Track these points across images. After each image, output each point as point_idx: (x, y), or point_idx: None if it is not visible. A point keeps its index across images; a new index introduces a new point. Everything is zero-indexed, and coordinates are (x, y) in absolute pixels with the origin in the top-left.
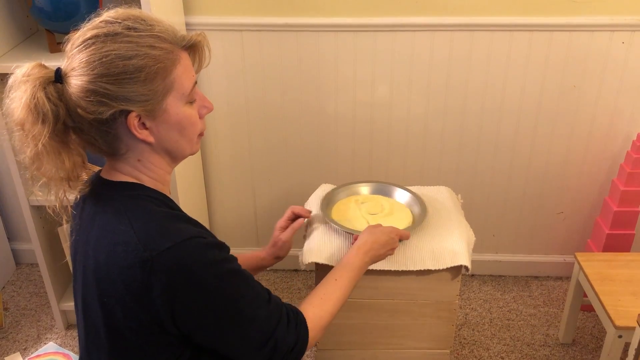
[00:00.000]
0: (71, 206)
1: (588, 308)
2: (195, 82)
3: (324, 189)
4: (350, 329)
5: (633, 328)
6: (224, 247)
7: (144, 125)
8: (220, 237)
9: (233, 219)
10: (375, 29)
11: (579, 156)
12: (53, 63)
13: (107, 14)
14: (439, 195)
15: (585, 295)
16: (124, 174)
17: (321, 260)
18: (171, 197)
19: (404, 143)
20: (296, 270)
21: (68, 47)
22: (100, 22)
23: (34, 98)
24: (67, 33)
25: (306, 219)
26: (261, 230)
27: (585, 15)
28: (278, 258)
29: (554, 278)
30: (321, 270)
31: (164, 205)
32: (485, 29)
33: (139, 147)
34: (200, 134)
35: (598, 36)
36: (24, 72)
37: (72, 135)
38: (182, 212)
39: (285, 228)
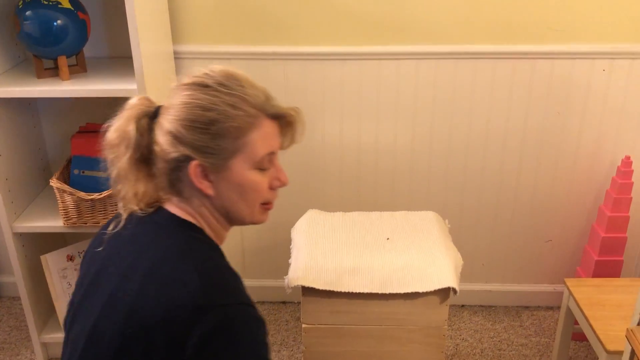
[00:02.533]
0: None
1: (580, 337)
2: (273, 153)
3: (311, 214)
4: (337, 357)
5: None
6: (265, 329)
7: (207, 177)
8: None
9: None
10: (361, 57)
11: (566, 182)
12: (39, 88)
13: (211, 68)
14: (426, 220)
15: (577, 323)
16: (188, 214)
17: (307, 283)
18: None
19: (391, 170)
20: (284, 302)
21: (174, 87)
22: (203, 73)
23: (126, 125)
24: (54, 59)
25: None
26: (248, 260)
27: (567, 43)
28: None
29: (544, 308)
30: (307, 294)
31: (223, 259)
32: (469, 57)
33: (199, 196)
34: (266, 204)
35: (579, 64)
36: (131, 103)
37: (154, 168)
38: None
39: None
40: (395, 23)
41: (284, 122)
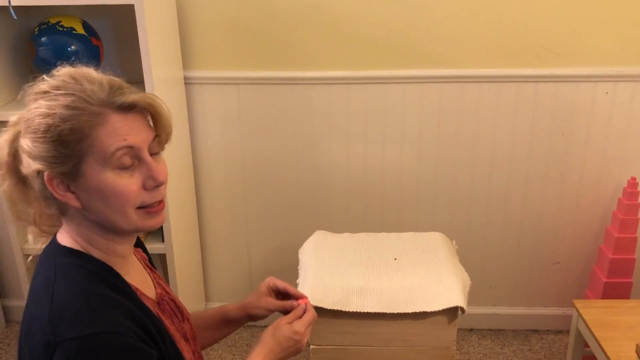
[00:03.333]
0: None
1: None
2: (131, 147)
3: (318, 235)
4: None
5: None
6: (141, 353)
7: (68, 189)
8: (214, 290)
9: (227, 270)
10: (366, 81)
11: (572, 204)
12: None
13: (56, 70)
14: (433, 241)
15: (587, 346)
16: (71, 238)
17: (315, 302)
18: (118, 270)
19: (397, 192)
20: None
21: (24, 101)
22: (44, 78)
23: (1, 149)
24: None
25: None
26: (255, 283)
27: (570, 67)
28: (252, 318)
29: (554, 332)
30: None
31: (102, 281)
32: (473, 81)
33: (70, 210)
34: (142, 207)
35: (582, 87)
36: (12, 121)
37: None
38: (127, 292)
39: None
40: (400, 47)
41: (146, 112)
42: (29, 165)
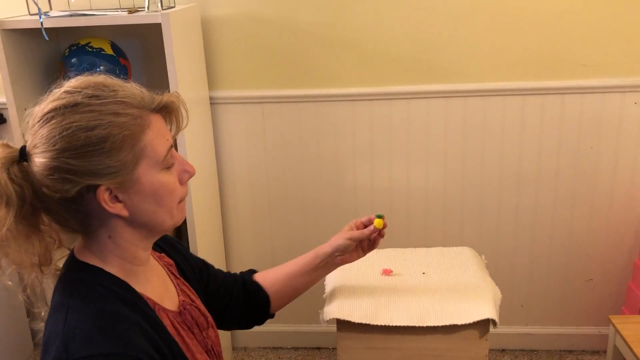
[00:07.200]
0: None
1: None
2: (172, 146)
3: None
4: None
5: None
6: None
7: (116, 199)
8: None
9: None
10: (390, 96)
11: (603, 218)
12: None
13: (68, 84)
14: (462, 255)
15: None
16: (90, 253)
17: (343, 316)
18: (136, 280)
19: (423, 210)
20: (318, 348)
21: (30, 122)
22: (62, 93)
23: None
24: None
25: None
26: None
27: (596, 77)
28: (342, 259)
29: (590, 352)
30: (343, 329)
31: (117, 298)
32: (498, 94)
33: (112, 222)
34: (181, 201)
35: (610, 97)
36: (5, 146)
37: (43, 216)
38: (142, 308)
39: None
40: (423, 62)
41: (167, 111)
42: (70, 185)
